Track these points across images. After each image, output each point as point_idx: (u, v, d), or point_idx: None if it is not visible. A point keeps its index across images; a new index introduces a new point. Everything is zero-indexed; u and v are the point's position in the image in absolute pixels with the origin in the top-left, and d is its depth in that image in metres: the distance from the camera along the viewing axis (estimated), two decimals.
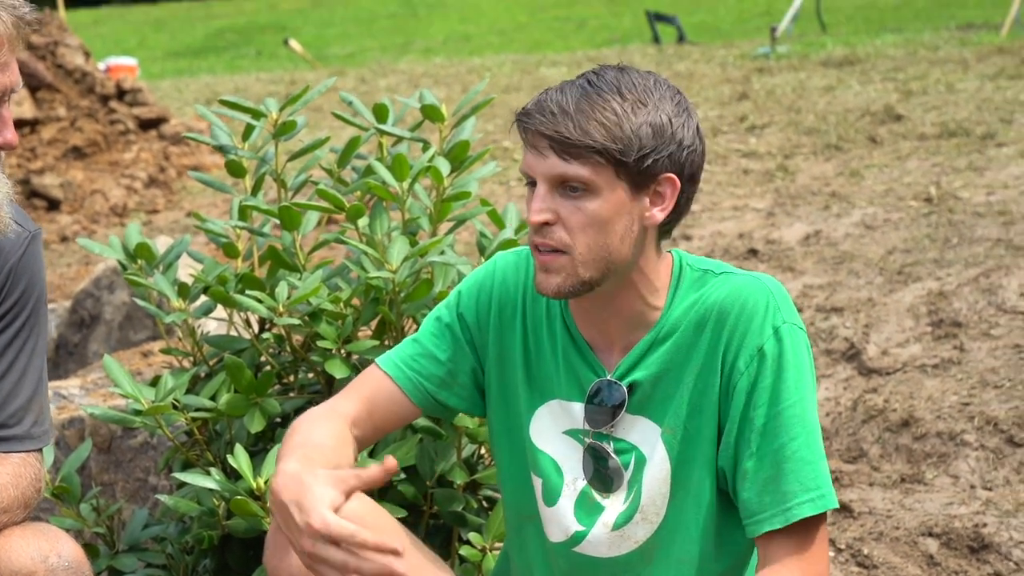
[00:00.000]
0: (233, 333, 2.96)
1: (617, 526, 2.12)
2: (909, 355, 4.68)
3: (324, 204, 2.78)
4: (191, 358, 2.92)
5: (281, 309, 2.69)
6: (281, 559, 2.09)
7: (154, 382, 2.76)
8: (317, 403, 2.23)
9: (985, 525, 3.52)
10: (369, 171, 2.88)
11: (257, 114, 2.92)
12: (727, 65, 12.49)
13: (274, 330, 2.84)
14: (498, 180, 8.04)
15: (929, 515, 3.64)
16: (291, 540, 1.95)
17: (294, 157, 2.96)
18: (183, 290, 2.84)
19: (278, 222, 2.80)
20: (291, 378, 2.90)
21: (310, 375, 2.88)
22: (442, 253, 2.75)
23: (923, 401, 4.27)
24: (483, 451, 2.83)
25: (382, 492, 2.74)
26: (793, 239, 6.24)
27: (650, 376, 2.08)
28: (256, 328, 2.94)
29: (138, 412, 2.67)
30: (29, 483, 2.27)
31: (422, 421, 2.66)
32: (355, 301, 2.78)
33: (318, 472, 1.97)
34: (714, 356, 2.05)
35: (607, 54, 14.73)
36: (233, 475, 2.66)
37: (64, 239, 8.09)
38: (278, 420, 2.81)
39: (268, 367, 2.82)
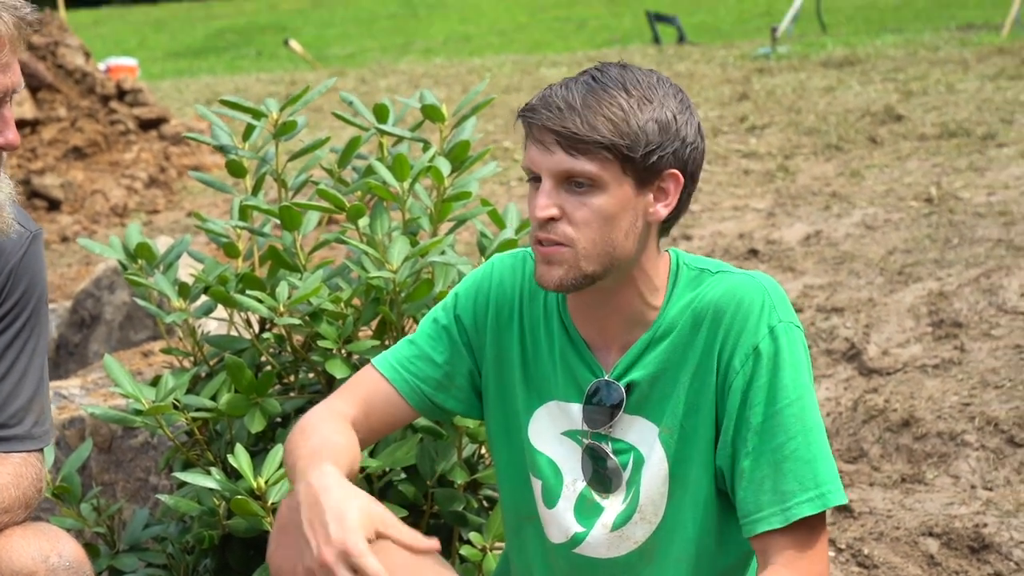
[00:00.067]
0: (234, 333, 2.96)
1: (616, 526, 2.12)
2: (910, 355, 4.68)
3: (325, 204, 2.78)
4: (191, 358, 2.92)
5: (282, 309, 2.69)
6: (284, 557, 2.08)
7: (154, 382, 2.76)
8: (317, 403, 2.22)
9: (985, 525, 3.52)
10: (370, 171, 2.88)
11: (257, 114, 2.92)
12: (727, 65, 12.49)
13: (275, 330, 2.84)
14: (499, 180, 8.04)
15: (930, 515, 3.64)
16: (311, 540, 1.93)
17: (294, 157, 2.97)
18: (183, 290, 2.84)
19: (279, 222, 2.80)
20: (291, 378, 2.90)
21: (311, 375, 2.88)
22: (443, 253, 2.75)
23: (924, 401, 4.27)
24: (483, 451, 2.83)
25: (383, 492, 2.74)
26: (793, 239, 6.24)
27: (647, 376, 2.08)
28: (256, 328, 2.94)
29: (139, 412, 2.67)
30: (30, 483, 2.27)
31: (422, 421, 2.66)
32: (356, 301, 2.78)
33: (365, 495, 1.96)
34: (710, 355, 2.04)
35: (607, 54, 14.74)
36: (234, 475, 2.66)
37: (64, 239, 8.10)
38: (278, 420, 2.81)
39: (268, 367, 2.82)
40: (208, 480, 2.60)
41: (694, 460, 2.06)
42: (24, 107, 8.85)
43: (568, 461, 2.15)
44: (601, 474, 2.12)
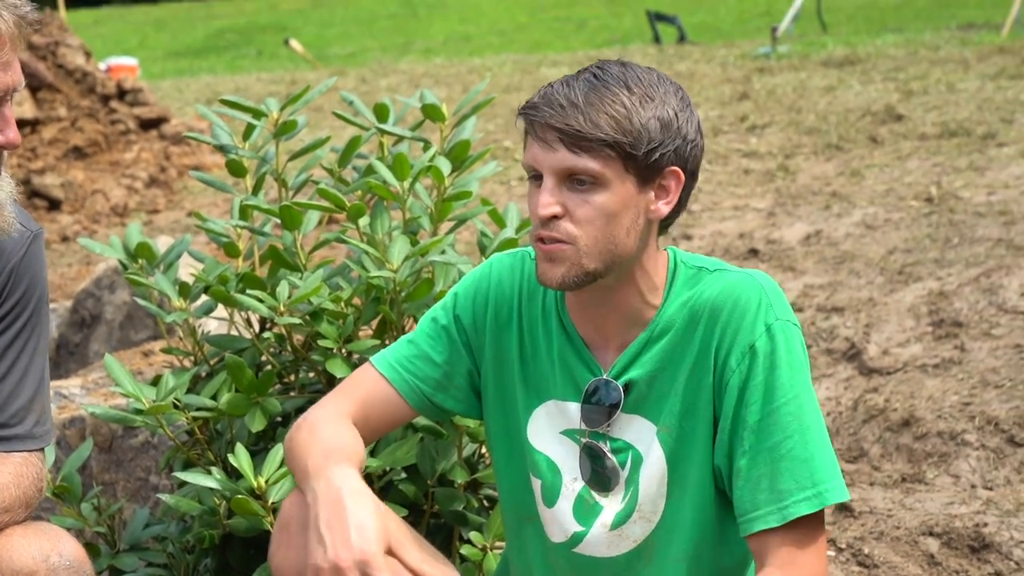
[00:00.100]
0: (234, 332, 2.96)
1: (615, 526, 2.12)
2: (910, 355, 4.68)
3: (325, 203, 2.78)
4: (192, 357, 2.92)
5: (282, 308, 2.69)
6: (285, 556, 2.08)
7: (155, 381, 2.76)
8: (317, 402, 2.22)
9: (986, 525, 3.52)
10: (370, 170, 2.89)
11: (258, 114, 2.92)
12: (728, 65, 12.49)
13: (275, 329, 2.84)
14: (499, 180, 8.04)
15: (930, 515, 3.64)
16: (326, 538, 1.92)
17: (295, 157, 2.97)
18: (184, 290, 2.84)
19: (279, 221, 2.80)
20: (292, 377, 2.90)
21: (311, 374, 2.88)
22: (443, 252, 2.75)
23: (924, 401, 4.28)
24: (484, 450, 2.83)
25: (383, 491, 2.74)
26: (794, 239, 6.24)
27: (645, 374, 2.08)
28: (257, 327, 2.94)
29: (139, 411, 2.67)
30: (31, 482, 2.27)
31: (423, 420, 2.66)
32: (356, 300, 2.78)
33: (383, 506, 1.96)
34: (707, 354, 2.04)
35: (608, 54, 14.73)
36: (234, 474, 2.66)
37: (65, 239, 8.10)
38: (279, 419, 2.81)
39: (269, 366, 2.82)
40: (208, 479, 2.60)
41: (692, 459, 2.06)
42: (24, 107, 8.85)
43: (567, 460, 2.15)
44: (600, 473, 2.12)
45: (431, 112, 2.94)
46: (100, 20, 29.02)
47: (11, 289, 2.27)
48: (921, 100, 9.35)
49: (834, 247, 6.03)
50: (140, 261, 2.88)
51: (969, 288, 5.11)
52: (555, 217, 1.99)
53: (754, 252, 6.11)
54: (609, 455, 2.10)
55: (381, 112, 2.97)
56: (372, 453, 2.68)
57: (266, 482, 2.50)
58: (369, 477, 2.73)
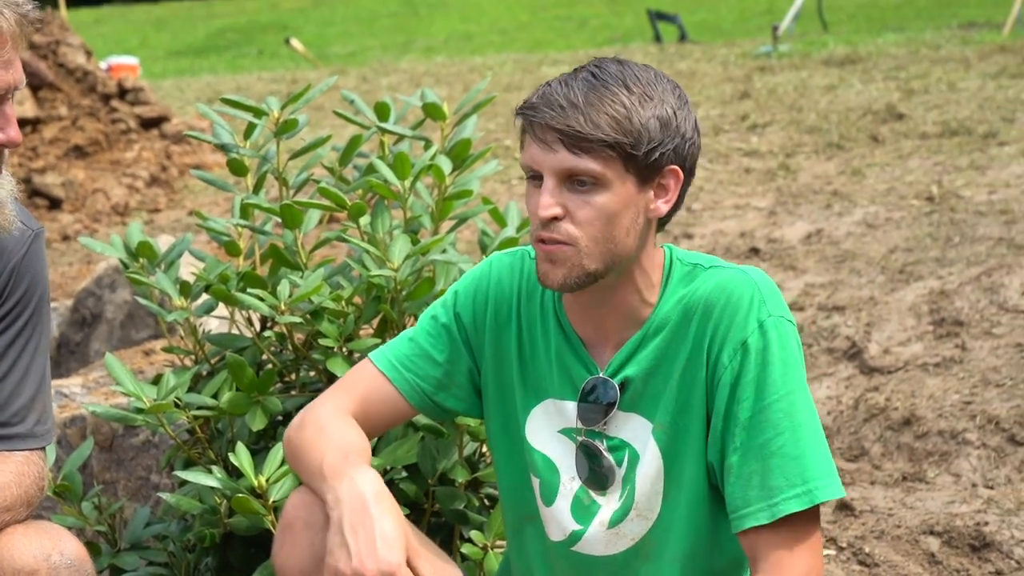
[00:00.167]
0: (235, 331, 2.96)
1: (612, 524, 2.11)
2: (911, 354, 4.68)
3: (326, 202, 2.78)
4: (193, 356, 2.92)
5: (283, 307, 2.69)
6: (289, 556, 2.08)
7: (156, 380, 2.76)
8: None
9: (987, 523, 3.52)
10: (371, 169, 2.89)
11: (259, 113, 2.92)
12: (729, 64, 12.49)
13: (276, 328, 2.85)
14: (500, 178, 8.04)
15: (931, 513, 3.64)
16: (351, 544, 1.93)
17: (296, 155, 2.97)
18: (185, 288, 2.84)
19: (280, 220, 2.80)
20: (293, 376, 2.90)
21: (312, 373, 2.88)
22: (444, 251, 2.75)
23: (925, 400, 4.28)
24: (484, 449, 2.83)
25: None
26: (795, 238, 6.24)
27: (641, 372, 2.07)
28: (258, 326, 2.94)
29: (140, 410, 2.67)
30: (32, 481, 2.27)
31: (423, 419, 2.66)
32: (357, 299, 2.78)
33: (403, 517, 1.98)
34: (700, 350, 2.04)
35: (608, 53, 14.73)
36: (235, 473, 2.66)
37: (66, 238, 8.10)
38: (280, 418, 2.81)
39: (270, 365, 2.82)
40: (209, 478, 2.60)
41: (687, 456, 2.06)
42: (25, 106, 8.85)
43: (565, 459, 2.15)
44: (596, 472, 2.12)
45: (432, 111, 2.94)
46: (101, 19, 29.03)
47: (12, 288, 2.27)
48: (922, 99, 9.35)
49: (835, 246, 6.03)
50: (141, 260, 2.88)
51: (970, 287, 5.11)
52: (556, 218, 1.98)
53: (755, 251, 6.11)
54: (605, 454, 2.10)
55: (382, 111, 2.97)
56: (373, 452, 2.68)
57: (267, 481, 2.50)
58: None
